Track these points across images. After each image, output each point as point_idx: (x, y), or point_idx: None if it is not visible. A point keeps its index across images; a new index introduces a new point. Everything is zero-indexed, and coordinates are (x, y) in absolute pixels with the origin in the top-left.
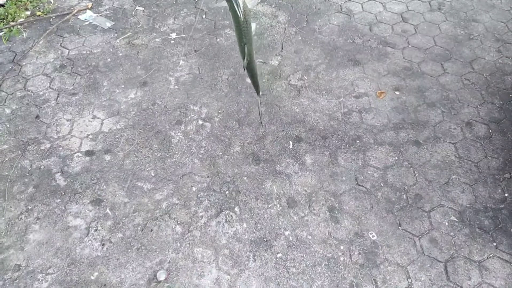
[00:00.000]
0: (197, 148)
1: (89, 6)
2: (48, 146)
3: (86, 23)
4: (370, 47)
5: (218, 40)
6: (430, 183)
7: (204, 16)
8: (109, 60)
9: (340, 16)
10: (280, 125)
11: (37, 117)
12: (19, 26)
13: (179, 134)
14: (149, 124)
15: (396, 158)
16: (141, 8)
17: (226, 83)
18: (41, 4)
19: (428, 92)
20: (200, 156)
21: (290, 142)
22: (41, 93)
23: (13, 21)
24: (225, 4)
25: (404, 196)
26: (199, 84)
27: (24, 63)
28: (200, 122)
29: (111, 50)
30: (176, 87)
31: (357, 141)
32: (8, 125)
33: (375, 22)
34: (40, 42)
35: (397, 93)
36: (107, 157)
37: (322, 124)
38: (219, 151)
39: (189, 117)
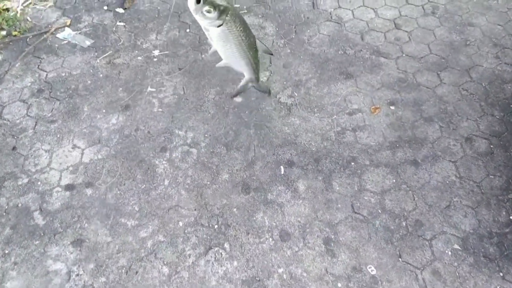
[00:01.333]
0: (183, 177)
1: (68, 23)
2: (25, 181)
3: (65, 42)
4: (363, 58)
5: (203, 56)
6: (431, 207)
7: (188, 30)
8: (89, 82)
9: (330, 25)
10: (271, 148)
11: (14, 148)
12: None
13: (164, 162)
14: (132, 152)
15: (394, 180)
16: (122, 24)
17: (212, 103)
18: (17, 23)
19: (425, 106)
20: (187, 186)
21: (281, 167)
22: (17, 121)
23: None
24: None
25: (404, 223)
26: (184, 106)
27: (0, 89)
28: (186, 148)
29: (91, 71)
30: (160, 110)
31: (352, 163)
32: None
33: (366, 30)
34: (17, 65)
35: (392, 108)
36: (89, 191)
37: (315, 146)
38: (207, 179)
39: (174, 143)
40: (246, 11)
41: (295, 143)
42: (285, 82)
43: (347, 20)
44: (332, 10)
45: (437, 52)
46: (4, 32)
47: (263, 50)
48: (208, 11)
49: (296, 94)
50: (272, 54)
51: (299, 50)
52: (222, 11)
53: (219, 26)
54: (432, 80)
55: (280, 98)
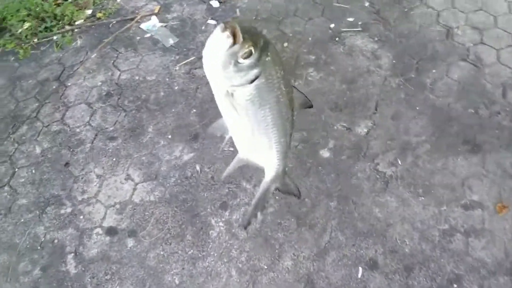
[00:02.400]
0: (238, 251)
1: (156, 10)
2: (69, 210)
3: (147, 35)
4: (499, 125)
5: (296, 83)
6: None
7: (286, 45)
8: (162, 94)
9: (464, 66)
10: (352, 236)
11: (67, 164)
12: (76, 30)
13: (220, 224)
14: (188, 202)
15: None
16: (213, 22)
17: (293, 153)
18: (105, 2)
19: None
20: (240, 265)
21: (360, 267)
22: (77, 130)
23: (69, 24)
24: None
25: None
26: None
27: (69, 83)
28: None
29: (167, 79)
30: (232, 149)
31: (455, 286)
32: (33, 171)
33: None
34: (93, 56)
35: None
36: (130, 242)
37: (410, 246)
38: (265, 262)
39: (238, 199)
40: (360, 29)
41: (384, 236)
42: (389, 142)
43: (488, 64)
44: (471, 45)
45: None
46: (89, 12)
47: (301, 102)
48: (248, 55)
49: (399, 163)
50: (311, 107)
51: (416, 98)
52: (262, 50)
53: (253, 80)
54: None
55: (378, 164)
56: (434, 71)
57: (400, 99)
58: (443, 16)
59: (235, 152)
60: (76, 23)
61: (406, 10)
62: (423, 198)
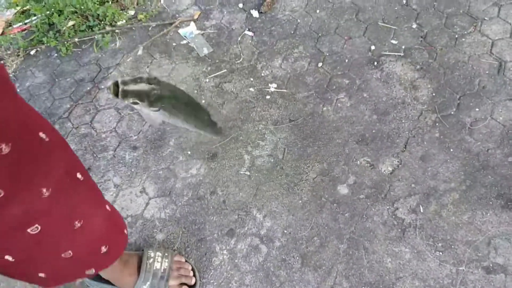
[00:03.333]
0: (238, 284)
1: (195, 17)
2: None
3: (184, 42)
4: None
5: (324, 109)
6: None
7: (320, 65)
8: None
9: None
10: (356, 285)
11: (88, 169)
12: (116, 31)
13: (224, 252)
14: (196, 224)
15: None
16: (251, 34)
17: (310, 185)
18: (148, 2)
19: None
20: None
21: None
22: (103, 135)
23: (111, 24)
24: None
25: None
26: (276, 177)
27: (102, 86)
28: (256, 241)
29: (195, 91)
30: (248, 173)
31: None
32: None
33: None
34: (128, 60)
35: None
36: None
37: None
38: None
39: (246, 228)
40: (402, 54)
41: None
42: (413, 185)
43: None
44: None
45: None
46: (132, 12)
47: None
48: None
49: (421, 210)
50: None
51: (452, 139)
52: None
53: None
54: None
55: (397, 209)
56: (477, 109)
57: (433, 139)
58: (498, 47)
59: (252, 176)
60: (118, 24)
61: (457, 36)
62: (441, 253)
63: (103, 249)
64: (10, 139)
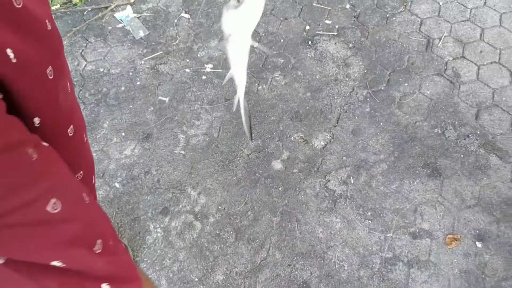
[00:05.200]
0: (172, 261)
1: (132, 0)
2: None
3: (120, 25)
4: (466, 149)
5: (260, 87)
6: None
7: (256, 45)
8: (123, 89)
9: (439, 81)
10: (289, 255)
11: None
12: None
13: (158, 230)
14: (130, 203)
15: None
16: (187, 16)
17: (244, 162)
18: None
19: None
20: (170, 275)
21: None
22: None
23: None
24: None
25: None
26: (211, 155)
27: None
28: (191, 218)
29: (130, 73)
30: (182, 152)
31: None
32: None
33: (488, 104)
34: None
35: (478, 245)
36: None
37: (347, 271)
38: (196, 274)
39: (180, 206)
40: (336, 33)
41: (322, 258)
42: (344, 158)
43: (466, 81)
44: (451, 59)
45: None
46: None
47: None
48: None
49: (352, 181)
50: None
51: (382, 112)
52: None
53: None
54: None
55: (329, 181)
56: (406, 84)
57: (364, 113)
58: (426, 25)
59: (187, 155)
60: (52, 8)
61: (388, 16)
62: (370, 221)
63: None
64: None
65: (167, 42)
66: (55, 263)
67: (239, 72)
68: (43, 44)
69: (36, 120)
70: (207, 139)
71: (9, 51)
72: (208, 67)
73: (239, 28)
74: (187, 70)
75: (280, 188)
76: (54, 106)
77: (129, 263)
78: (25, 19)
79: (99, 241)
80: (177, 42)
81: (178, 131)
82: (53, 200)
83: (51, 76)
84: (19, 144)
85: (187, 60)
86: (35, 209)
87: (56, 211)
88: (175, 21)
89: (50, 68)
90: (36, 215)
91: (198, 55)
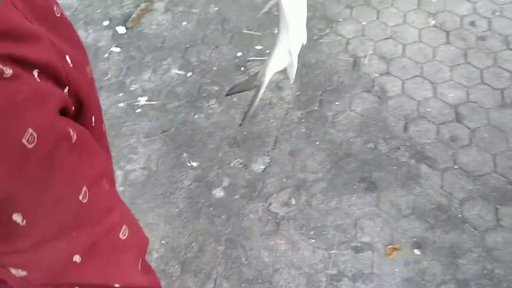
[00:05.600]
0: None
1: None
2: None
3: None
4: (398, 161)
5: (196, 116)
6: None
7: (189, 74)
8: None
9: (368, 98)
10: (236, 283)
11: None
12: None
13: None
14: None
15: None
16: (118, 50)
17: (186, 192)
18: None
19: (464, 259)
20: None
21: None
22: None
23: None
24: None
25: None
26: (151, 190)
27: None
28: None
29: None
30: (121, 188)
31: None
32: None
33: (415, 116)
34: None
35: (417, 252)
36: None
37: None
38: None
39: None
40: (267, 58)
41: (269, 282)
42: (284, 180)
43: (392, 96)
44: (377, 75)
45: (504, 171)
46: None
47: None
48: None
49: (293, 202)
50: None
51: (316, 132)
52: None
53: None
54: (485, 217)
55: (271, 204)
56: (337, 103)
57: (300, 134)
58: (352, 45)
59: (126, 191)
60: None
61: (315, 38)
62: (313, 240)
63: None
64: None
65: (98, 77)
66: (116, 285)
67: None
68: (78, 47)
69: (93, 119)
70: (146, 173)
71: (67, 57)
72: (143, 100)
73: None
74: (121, 104)
75: (223, 216)
76: (98, 103)
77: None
78: (64, 26)
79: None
80: (108, 76)
81: (115, 167)
82: (124, 227)
83: (90, 74)
84: (100, 176)
85: (120, 94)
86: (113, 236)
87: (125, 237)
88: (106, 55)
89: (88, 67)
90: (113, 242)
91: (131, 89)
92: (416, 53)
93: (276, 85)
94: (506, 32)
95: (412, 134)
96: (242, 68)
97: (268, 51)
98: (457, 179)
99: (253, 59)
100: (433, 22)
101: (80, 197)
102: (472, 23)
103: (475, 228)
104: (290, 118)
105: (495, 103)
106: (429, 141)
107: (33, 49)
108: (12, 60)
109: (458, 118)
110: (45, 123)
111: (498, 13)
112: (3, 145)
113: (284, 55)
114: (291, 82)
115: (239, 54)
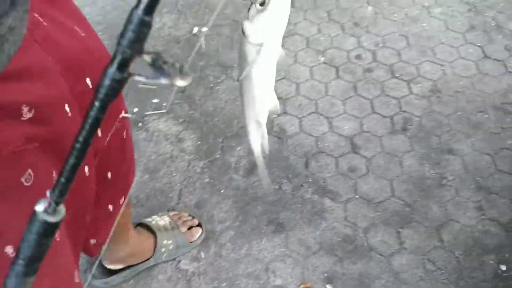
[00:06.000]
0: None
1: None
2: None
3: None
4: (302, 198)
5: None
6: None
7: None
8: None
9: (269, 139)
10: None
11: None
12: None
13: None
14: None
15: None
16: None
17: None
18: None
19: (373, 287)
20: None
21: None
22: None
23: None
24: None
25: None
26: None
27: None
28: None
29: None
30: None
31: None
32: None
33: (314, 152)
34: None
35: (329, 287)
36: None
37: None
38: None
39: None
40: (165, 111)
41: None
42: None
43: (291, 135)
44: (275, 116)
45: (402, 195)
46: None
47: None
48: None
49: (203, 256)
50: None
51: (220, 180)
52: None
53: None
54: (389, 242)
55: (180, 261)
56: (239, 148)
57: (204, 184)
58: None
59: None
60: None
61: (211, 85)
62: None
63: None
64: None
65: None
66: None
67: (268, 94)
68: None
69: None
70: None
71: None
72: None
73: (271, 34)
74: None
75: (131, 282)
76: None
77: None
78: None
79: None
80: None
81: None
82: None
83: None
84: None
85: None
86: None
87: None
88: None
89: None
90: None
91: None
92: (310, 91)
93: (176, 137)
94: (389, 61)
95: (313, 170)
96: (140, 124)
97: (165, 104)
98: (359, 208)
99: (150, 113)
100: (322, 59)
101: None
102: (358, 57)
103: (380, 254)
104: (193, 169)
105: (386, 130)
106: (329, 174)
107: None
108: None
109: (354, 149)
110: None
111: (381, 45)
112: None
113: (258, 126)
114: (267, 153)
115: (136, 109)
